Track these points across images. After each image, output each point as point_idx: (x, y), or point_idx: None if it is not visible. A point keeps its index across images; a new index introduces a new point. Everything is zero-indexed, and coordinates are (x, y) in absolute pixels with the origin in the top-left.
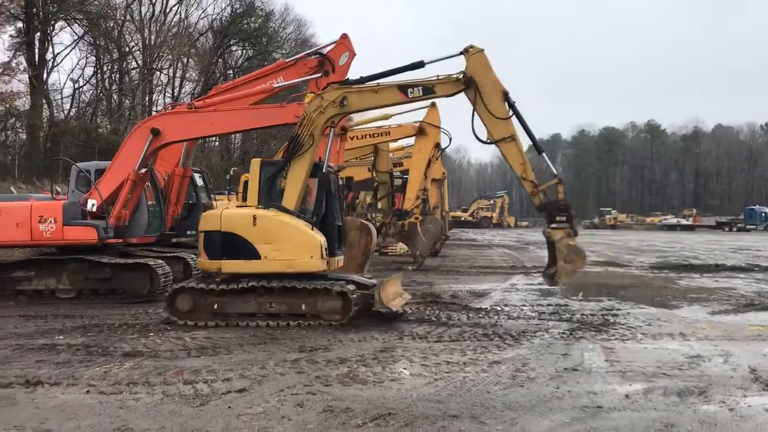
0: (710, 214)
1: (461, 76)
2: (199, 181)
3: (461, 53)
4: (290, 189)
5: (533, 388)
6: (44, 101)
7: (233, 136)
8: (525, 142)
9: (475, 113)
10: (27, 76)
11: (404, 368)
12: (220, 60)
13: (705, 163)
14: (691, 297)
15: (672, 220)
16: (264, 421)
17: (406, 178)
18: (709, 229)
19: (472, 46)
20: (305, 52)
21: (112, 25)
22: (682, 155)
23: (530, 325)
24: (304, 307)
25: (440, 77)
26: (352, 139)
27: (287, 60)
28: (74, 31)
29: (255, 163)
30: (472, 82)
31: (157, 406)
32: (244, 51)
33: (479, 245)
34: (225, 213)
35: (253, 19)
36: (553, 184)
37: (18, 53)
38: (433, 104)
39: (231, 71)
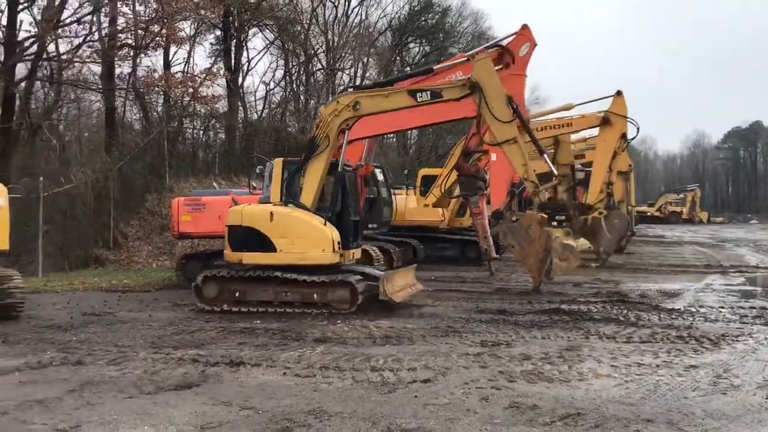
0: None
1: (467, 82)
2: (380, 176)
3: (467, 59)
4: (307, 187)
5: (738, 396)
6: (240, 103)
7: (409, 132)
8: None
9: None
10: (225, 80)
11: (591, 368)
12: (398, 58)
13: None
14: None
15: None
16: (450, 412)
17: (589, 170)
18: None
19: (478, 53)
20: (484, 45)
21: (299, 29)
22: None
23: (731, 329)
24: (315, 296)
25: (448, 82)
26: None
27: (466, 54)
28: (266, 37)
29: (278, 163)
30: (477, 87)
31: (348, 391)
32: (421, 48)
33: (668, 242)
34: (246, 209)
35: (430, 15)
36: (553, 185)
37: (218, 59)
38: (619, 93)
39: (408, 68)
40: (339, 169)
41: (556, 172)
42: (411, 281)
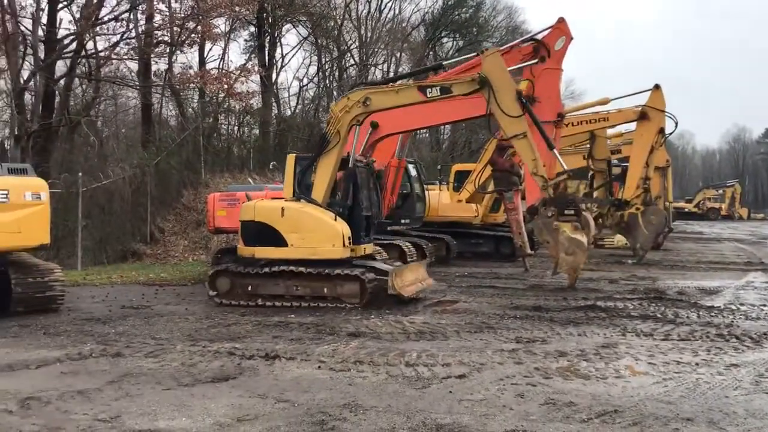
0: None
1: (476, 77)
2: (413, 172)
3: (477, 55)
4: (319, 182)
5: None
6: (273, 99)
7: (442, 127)
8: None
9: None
10: (259, 76)
11: (628, 365)
12: (431, 52)
13: None
14: None
15: None
16: (485, 408)
17: (625, 166)
18: None
19: (487, 48)
20: (519, 39)
21: (332, 24)
22: None
23: None
24: (325, 290)
25: (458, 78)
26: (567, 125)
27: (500, 48)
28: (299, 33)
29: (290, 158)
30: (487, 82)
31: (382, 385)
32: (455, 42)
33: (706, 238)
34: (258, 205)
35: (464, 9)
36: (562, 180)
37: (252, 56)
38: (657, 86)
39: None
40: (350, 165)
41: (566, 167)
42: (422, 276)
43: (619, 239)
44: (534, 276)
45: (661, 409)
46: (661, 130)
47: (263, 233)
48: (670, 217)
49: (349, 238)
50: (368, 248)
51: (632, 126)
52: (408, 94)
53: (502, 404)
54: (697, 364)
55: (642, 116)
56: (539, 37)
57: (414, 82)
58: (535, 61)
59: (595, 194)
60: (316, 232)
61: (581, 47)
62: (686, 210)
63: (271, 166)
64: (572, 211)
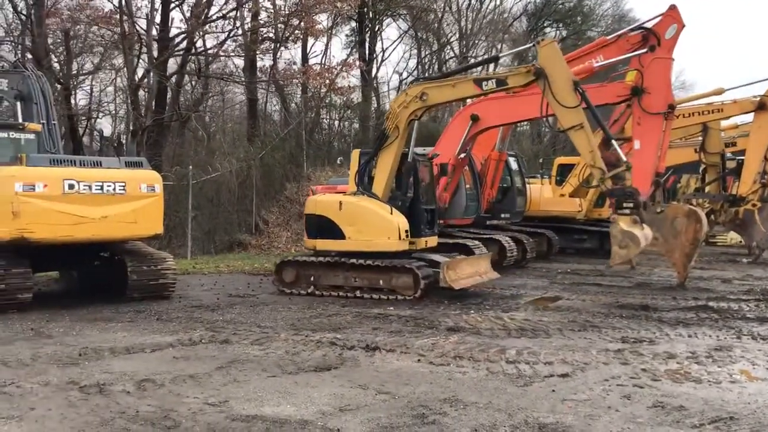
0: None
1: (532, 68)
2: (514, 165)
3: (533, 45)
4: (379, 176)
5: None
6: (373, 94)
7: (544, 119)
8: None
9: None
10: (360, 71)
11: (744, 370)
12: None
13: None
14: None
15: None
16: (589, 408)
17: (741, 159)
18: None
19: (543, 38)
20: (628, 28)
21: (432, 17)
22: None
23: None
24: (381, 282)
25: (512, 70)
26: (678, 117)
27: (608, 37)
28: (399, 27)
29: (355, 153)
30: (542, 73)
31: (483, 382)
32: (558, 32)
33: None
34: (318, 199)
35: None
36: (621, 171)
37: (353, 50)
38: None
39: None
40: (409, 159)
41: (624, 158)
42: (483, 269)
43: (732, 237)
44: (640, 273)
45: None
46: None
47: (324, 226)
48: None
49: (406, 231)
50: (430, 241)
51: (749, 117)
52: (464, 87)
53: (608, 405)
54: None
55: (761, 107)
56: (649, 25)
57: (470, 76)
58: (645, 50)
59: (707, 189)
60: (371, 225)
61: (692, 35)
62: None
63: (338, 162)
64: (631, 204)
